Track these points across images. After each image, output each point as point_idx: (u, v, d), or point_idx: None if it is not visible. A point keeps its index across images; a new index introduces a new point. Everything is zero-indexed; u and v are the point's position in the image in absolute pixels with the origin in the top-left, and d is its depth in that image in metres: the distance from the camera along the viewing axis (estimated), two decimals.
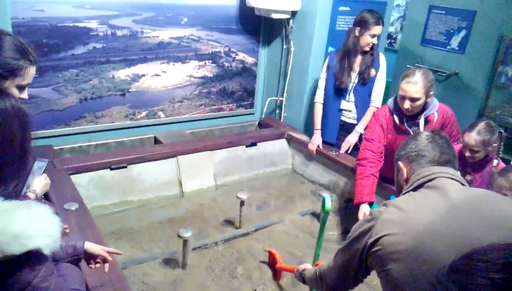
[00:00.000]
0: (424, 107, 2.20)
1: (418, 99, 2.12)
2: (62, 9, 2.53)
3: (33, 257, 0.82)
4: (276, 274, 2.06)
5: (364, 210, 2.22)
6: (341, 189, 2.84)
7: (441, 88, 3.87)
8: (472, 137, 2.09)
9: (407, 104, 2.14)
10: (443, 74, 3.82)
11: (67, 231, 1.71)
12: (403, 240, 1.06)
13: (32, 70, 1.38)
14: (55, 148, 2.65)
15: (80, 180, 2.41)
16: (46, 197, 1.90)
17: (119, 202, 2.52)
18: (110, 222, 2.38)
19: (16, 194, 0.89)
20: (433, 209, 1.09)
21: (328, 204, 1.86)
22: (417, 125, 2.24)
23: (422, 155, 1.25)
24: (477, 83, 3.61)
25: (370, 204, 2.24)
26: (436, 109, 2.22)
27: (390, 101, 2.32)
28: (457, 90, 3.75)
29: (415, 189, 1.20)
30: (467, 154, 2.14)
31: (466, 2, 3.64)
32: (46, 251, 0.83)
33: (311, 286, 1.60)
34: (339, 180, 2.87)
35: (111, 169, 2.54)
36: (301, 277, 1.59)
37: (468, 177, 2.20)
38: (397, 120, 2.27)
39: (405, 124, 2.26)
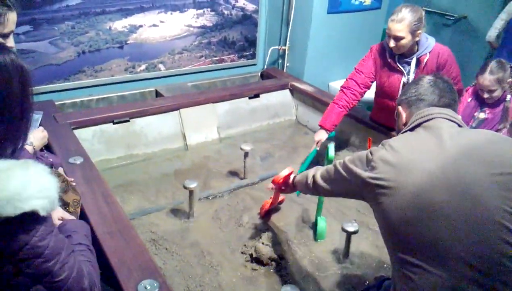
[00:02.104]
0: (417, 47, 2.14)
1: (402, 38, 2.05)
2: None
3: (30, 219, 0.81)
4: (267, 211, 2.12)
5: (320, 136, 2.37)
6: (346, 138, 2.82)
7: (450, 32, 3.75)
8: (486, 78, 2.10)
9: (392, 43, 2.09)
10: (451, 18, 3.69)
11: (74, 184, 1.73)
12: (397, 184, 1.08)
13: (12, 16, 1.34)
14: (56, 103, 2.63)
15: (84, 135, 2.41)
16: (50, 151, 1.91)
17: (124, 155, 2.54)
18: (116, 175, 2.40)
19: (14, 153, 0.86)
20: (428, 151, 1.10)
21: (332, 153, 1.86)
22: (409, 64, 2.19)
23: (421, 99, 1.25)
24: (486, 27, 3.48)
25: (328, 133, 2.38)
26: (429, 50, 2.15)
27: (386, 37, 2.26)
28: (466, 35, 3.63)
29: (412, 129, 1.21)
30: (485, 95, 2.17)
31: None
32: (43, 213, 0.81)
33: (300, 187, 1.63)
34: (343, 129, 2.85)
35: (114, 123, 2.53)
36: (292, 184, 1.68)
37: (482, 115, 2.21)
38: (388, 57, 2.23)
39: (397, 62, 2.21)
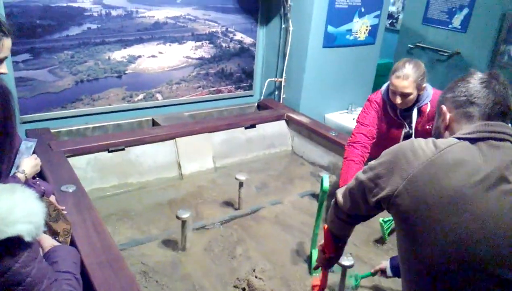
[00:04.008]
0: (417, 98, 2.12)
1: (409, 94, 2.04)
2: None
3: (14, 244, 0.79)
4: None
5: None
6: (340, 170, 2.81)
7: (443, 67, 3.83)
8: None
9: (398, 100, 2.07)
10: (445, 54, 3.77)
11: (65, 212, 1.70)
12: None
13: (7, 42, 1.35)
14: (52, 130, 2.63)
15: (78, 163, 2.39)
16: (43, 179, 1.89)
17: (118, 184, 2.51)
18: (109, 204, 2.37)
19: (0, 177, 0.85)
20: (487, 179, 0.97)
21: (326, 184, 1.85)
22: (410, 116, 2.17)
23: (472, 101, 1.08)
24: (479, 62, 3.56)
25: None
26: (429, 99, 2.13)
27: (384, 88, 2.23)
28: (459, 70, 3.70)
29: (473, 140, 1.03)
30: None
31: None
32: (28, 238, 0.80)
33: (333, 227, 1.40)
34: (339, 161, 2.85)
35: (109, 151, 2.52)
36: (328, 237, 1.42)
37: None
38: (390, 111, 2.21)
39: (399, 115, 2.20)
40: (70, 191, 1.95)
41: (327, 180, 1.86)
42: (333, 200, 1.36)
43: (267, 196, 2.61)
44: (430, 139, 1.08)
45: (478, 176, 0.98)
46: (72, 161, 2.33)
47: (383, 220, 2.14)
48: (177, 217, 1.97)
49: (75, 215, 1.77)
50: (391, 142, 2.25)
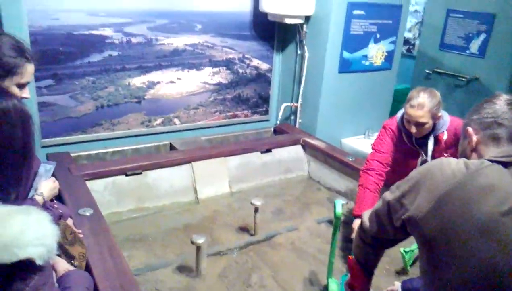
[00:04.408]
0: (434, 126, 2.08)
1: (424, 124, 2.01)
2: (77, 17, 2.57)
3: (25, 267, 0.78)
4: None
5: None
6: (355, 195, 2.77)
7: (462, 93, 3.78)
8: None
9: (413, 129, 2.04)
10: (463, 79, 3.73)
11: (81, 236, 1.71)
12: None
13: (29, 68, 1.40)
14: (72, 154, 2.68)
15: (96, 186, 2.42)
16: (61, 202, 1.91)
17: (134, 208, 2.52)
18: (125, 228, 2.37)
19: (17, 199, 0.86)
20: None
21: (339, 209, 1.81)
22: (426, 144, 2.13)
23: (499, 123, 1.06)
24: (498, 87, 3.50)
25: None
26: (446, 127, 2.10)
27: (399, 116, 2.20)
28: (478, 95, 3.65)
29: (506, 164, 1.00)
30: None
31: (484, 5, 3.56)
32: (39, 261, 0.79)
33: (358, 253, 1.35)
34: (356, 187, 2.79)
35: (127, 175, 2.55)
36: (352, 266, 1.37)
37: None
38: (405, 138, 2.18)
39: (414, 143, 2.16)
40: (87, 214, 1.96)
41: (339, 205, 1.82)
42: (359, 224, 1.32)
43: (283, 221, 2.58)
44: (461, 160, 1.05)
45: (509, 204, 0.94)
46: (91, 184, 2.36)
47: (404, 250, 2.07)
48: (192, 242, 1.95)
49: (91, 238, 1.78)
50: (407, 170, 2.21)
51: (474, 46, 3.71)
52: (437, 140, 2.12)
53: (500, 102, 1.10)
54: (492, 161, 1.02)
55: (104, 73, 2.76)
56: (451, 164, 1.03)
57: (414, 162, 2.21)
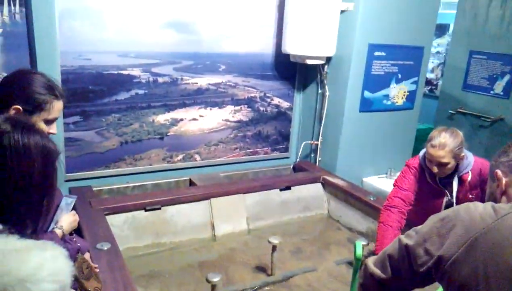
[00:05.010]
0: (457, 167, 2.04)
1: (446, 164, 1.97)
2: (108, 57, 2.71)
3: None
4: None
5: None
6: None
7: (486, 133, 3.71)
8: None
9: (435, 169, 2.01)
10: (488, 120, 3.67)
11: (97, 270, 1.72)
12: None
13: (58, 105, 1.46)
14: (94, 188, 2.74)
15: (115, 220, 2.45)
16: (80, 235, 1.94)
17: (151, 243, 2.53)
18: (141, 264, 2.37)
19: (35, 232, 0.88)
20: None
21: (359, 251, 1.76)
22: (450, 184, 2.09)
23: None
24: None
25: None
26: (470, 167, 2.05)
27: (422, 155, 2.16)
28: (503, 136, 3.57)
29: None
30: None
31: (507, 46, 3.56)
32: None
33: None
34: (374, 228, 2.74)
35: (146, 210, 2.57)
36: None
37: None
38: (428, 178, 2.14)
39: (438, 182, 2.12)
40: (105, 248, 1.98)
41: (360, 247, 1.77)
42: (361, 270, 1.25)
43: (301, 261, 2.52)
44: (489, 204, 1.03)
45: None
46: (110, 218, 2.39)
47: None
48: (207, 280, 1.92)
49: (107, 273, 1.79)
50: (432, 211, 2.15)
51: (499, 87, 3.67)
52: (461, 181, 2.08)
53: None
54: None
55: (130, 111, 2.86)
56: (478, 208, 1.01)
57: (439, 201, 2.16)
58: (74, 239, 1.65)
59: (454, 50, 4.05)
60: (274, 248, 2.30)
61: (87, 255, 1.72)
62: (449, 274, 0.98)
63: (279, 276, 2.33)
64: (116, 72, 2.76)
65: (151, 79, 2.89)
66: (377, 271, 1.18)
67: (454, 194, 2.08)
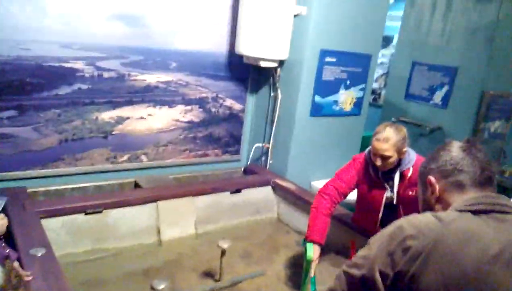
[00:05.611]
0: (399, 162, 2.14)
1: (389, 157, 2.05)
2: (50, 48, 2.51)
3: None
4: None
5: (318, 253, 2.11)
6: (328, 239, 2.72)
7: (426, 141, 3.92)
8: None
9: (378, 162, 2.09)
10: (427, 128, 3.88)
11: (29, 278, 1.57)
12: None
13: None
14: (28, 190, 2.53)
15: (52, 225, 2.26)
16: (12, 241, 1.77)
17: (91, 249, 2.37)
18: (81, 271, 2.21)
19: None
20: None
21: (310, 252, 1.76)
22: (392, 179, 2.18)
23: (460, 170, 1.07)
24: (460, 137, 3.63)
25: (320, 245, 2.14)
26: (412, 164, 2.15)
27: (368, 150, 2.28)
28: (441, 144, 3.80)
29: (475, 212, 1.00)
30: None
31: (447, 58, 3.79)
32: None
33: None
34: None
35: (86, 214, 2.41)
36: None
37: None
38: (371, 171, 2.23)
39: (380, 177, 2.21)
40: (39, 254, 1.81)
41: (311, 248, 1.77)
42: None
43: (250, 265, 2.48)
44: (428, 213, 1.04)
45: (492, 250, 0.93)
46: (46, 222, 2.21)
47: None
48: (152, 288, 1.82)
49: (40, 281, 1.63)
50: (373, 205, 2.25)
51: (438, 97, 3.90)
52: (402, 176, 2.17)
53: (455, 149, 1.12)
54: (460, 210, 1.02)
55: (71, 106, 2.67)
56: (420, 219, 1.01)
57: (380, 196, 2.24)
58: (3, 244, 1.50)
59: (397, 60, 4.26)
60: (223, 252, 2.24)
61: (15, 264, 1.56)
62: (410, 286, 0.98)
63: (227, 281, 2.27)
64: (57, 64, 2.57)
65: (95, 73, 2.72)
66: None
67: (395, 188, 2.17)
